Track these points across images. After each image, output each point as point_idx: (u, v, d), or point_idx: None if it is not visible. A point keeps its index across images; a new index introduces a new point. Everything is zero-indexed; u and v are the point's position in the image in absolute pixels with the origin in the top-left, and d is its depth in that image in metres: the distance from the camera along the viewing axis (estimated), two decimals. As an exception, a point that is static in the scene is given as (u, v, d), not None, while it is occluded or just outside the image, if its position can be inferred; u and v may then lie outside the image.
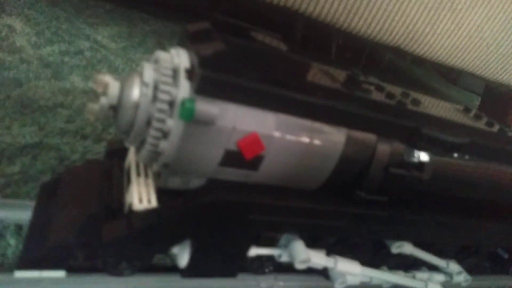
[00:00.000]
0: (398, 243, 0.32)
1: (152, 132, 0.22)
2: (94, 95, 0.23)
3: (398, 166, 0.28)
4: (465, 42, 0.92)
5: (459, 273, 0.38)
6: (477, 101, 1.56)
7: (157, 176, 0.26)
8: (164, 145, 0.22)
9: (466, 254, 0.39)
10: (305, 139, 0.25)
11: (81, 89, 0.53)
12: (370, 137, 0.27)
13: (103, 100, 0.23)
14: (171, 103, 0.22)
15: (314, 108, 0.24)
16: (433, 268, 0.38)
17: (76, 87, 0.53)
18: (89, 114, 0.23)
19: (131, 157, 0.29)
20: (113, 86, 0.23)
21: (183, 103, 0.21)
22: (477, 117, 0.36)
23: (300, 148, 0.25)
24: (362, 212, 0.29)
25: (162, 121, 0.22)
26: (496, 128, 0.34)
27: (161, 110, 0.22)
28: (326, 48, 1.01)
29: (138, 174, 0.27)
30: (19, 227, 0.30)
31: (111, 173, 0.29)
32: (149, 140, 0.22)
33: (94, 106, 0.23)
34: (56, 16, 0.74)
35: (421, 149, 0.29)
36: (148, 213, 0.24)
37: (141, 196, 0.25)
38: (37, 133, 0.41)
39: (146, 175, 0.27)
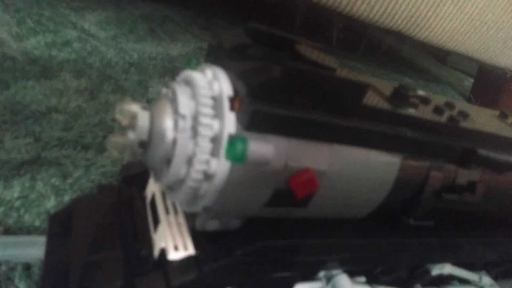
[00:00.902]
0: (439, 266, 0.31)
1: (194, 175, 0.19)
2: (114, 125, 0.20)
3: (450, 190, 0.26)
4: (467, 26, 0.90)
5: (491, 285, 0.37)
6: (467, 81, 1.56)
7: (189, 215, 0.23)
8: (206, 188, 0.19)
9: (495, 263, 0.38)
10: (359, 170, 0.22)
11: (74, 89, 0.48)
12: (422, 160, 0.25)
13: (131, 135, 0.19)
14: (214, 139, 0.19)
15: (370, 135, 0.22)
16: (463, 281, 0.37)
17: (68, 87, 0.48)
18: (113, 150, 0.20)
19: (155, 188, 0.25)
20: (142, 118, 0.19)
21: (233, 143, 0.18)
22: (515, 123, 0.34)
23: (354, 179, 0.22)
24: (409, 240, 0.27)
25: (205, 162, 0.19)
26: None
27: (204, 150, 0.18)
28: (326, 34, 0.97)
29: (167, 211, 0.23)
30: (27, 267, 0.27)
31: (131, 206, 0.26)
32: (189, 183, 0.19)
33: (118, 140, 0.19)
34: (37, 0, 0.67)
35: (474, 171, 0.26)
36: (186, 262, 0.21)
37: (175, 241, 0.21)
38: (33, 145, 0.37)
39: (175, 211, 0.24)
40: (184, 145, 0.19)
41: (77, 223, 0.26)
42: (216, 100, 0.19)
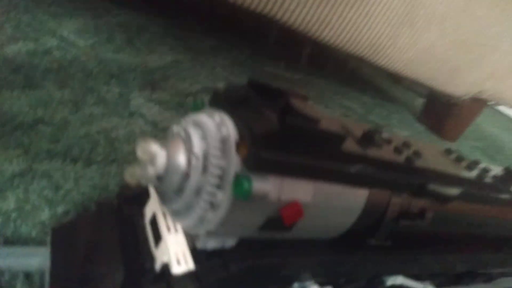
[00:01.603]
0: (393, 277, 0.36)
1: (202, 204, 0.22)
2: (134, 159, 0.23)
3: (405, 217, 0.31)
4: (420, 57, 1.00)
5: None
6: (417, 102, 1.69)
7: (188, 234, 0.26)
8: (211, 216, 0.23)
9: (437, 274, 0.44)
10: (335, 201, 0.27)
11: (58, 100, 0.49)
12: (385, 193, 0.30)
13: (151, 171, 0.22)
14: (220, 176, 0.22)
15: (345, 174, 0.26)
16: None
17: (53, 98, 0.49)
18: (131, 179, 0.23)
19: (155, 208, 0.28)
20: (161, 156, 0.22)
21: (239, 182, 0.21)
22: (458, 159, 0.40)
23: (330, 209, 0.27)
24: (371, 256, 0.32)
25: (212, 194, 0.22)
26: (474, 172, 0.38)
27: (212, 184, 0.22)
28: (297, 51, 1.03)
29: (168, 229, 0.27)
30: (28, 276, 0.29)
31: (131, 223, 0.29)
32: (198, 211, 0.23)
33: (136, 172, 0.23)
34: (14, 4, 0.67)
35: (425, 201, 0.32)
36: (187, 276, 0.24)
37: (178, 256, 0.25)
38: (24, 157, 0.38)
39: (176, 229, 0.27)
40: (196, 179, 0.22)
41: (80, 238, 0.28)
42: (224, 143, 0.23)
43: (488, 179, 0.39)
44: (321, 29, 0.84)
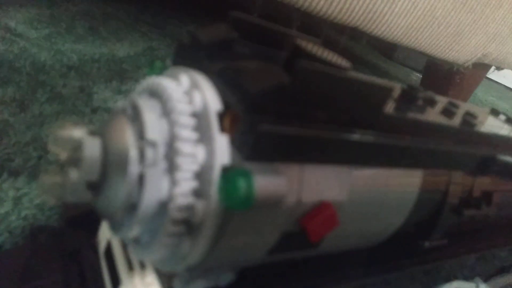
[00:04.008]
0: (447, 285, 0.27)
1: (170, 227, 0.13)
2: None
3: (468, 204, 0.22)
4: (420, 22, 0.90)
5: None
6: (413, 76, 1.61)
7: (161, 272, 0.17)
8: (189, 244, 0.13)
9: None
10: (380, 195, 0.18)
11: (-2, 100, 0.39)
12: (443, 174, 0.21)
13: (74, 175, 0.13)
14: (198, 175, 0.13)
15: (393, 151, 0.17)
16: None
17: (-10, 98, 0.39)
18: (48, 196, 0.13)
19: (109, 234, 0.19)
20: (90, 148, 0.13)
21: (232, 181, 0.12)
22: (509, 121, 0.31)
23: (374, 207, 0.18)
24: (425, 264, 0.23)
25: (187, 208, 0.13)
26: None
27: (185, 190, 0.13)
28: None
29: (129, 266, 0.17)
30: None
31: (77, 258, 0.19)
32: (164, 239, 0.13)
33: (54, 182, 0.13)
34: None
35: (490, 179, 0.23)
36: None
37: (145, 311, 0.16)
38: None
39: (142, 266, 0.17)
40: (155, 184, 0.13)
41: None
42: (199, 118, 0.13)
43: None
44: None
